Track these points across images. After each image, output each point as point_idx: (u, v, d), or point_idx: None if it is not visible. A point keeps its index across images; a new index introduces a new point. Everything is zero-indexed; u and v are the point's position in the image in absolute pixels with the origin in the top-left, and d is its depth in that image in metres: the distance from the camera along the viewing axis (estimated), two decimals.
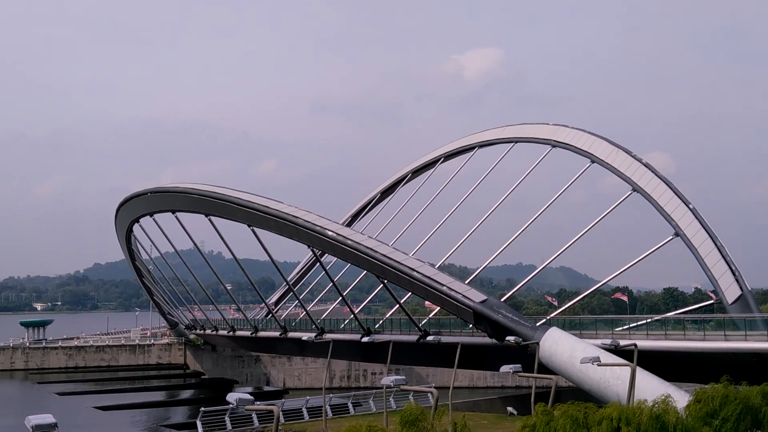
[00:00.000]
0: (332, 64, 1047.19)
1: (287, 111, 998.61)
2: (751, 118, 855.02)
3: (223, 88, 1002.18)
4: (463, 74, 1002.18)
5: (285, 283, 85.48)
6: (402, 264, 50.10)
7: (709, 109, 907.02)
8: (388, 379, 29.78)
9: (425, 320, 61.96)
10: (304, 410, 50.58)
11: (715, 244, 49.91)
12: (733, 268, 48.67)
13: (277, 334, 72.77)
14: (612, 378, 37.70)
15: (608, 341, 36.85)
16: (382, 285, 58.06)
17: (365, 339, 57.54)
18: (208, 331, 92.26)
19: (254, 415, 45.54)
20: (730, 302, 47.29)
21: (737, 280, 48.05)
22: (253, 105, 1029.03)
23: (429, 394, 37.66)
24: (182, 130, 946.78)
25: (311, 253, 63.46)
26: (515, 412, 47.53)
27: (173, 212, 73.59)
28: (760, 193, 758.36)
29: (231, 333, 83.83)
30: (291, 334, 70.01)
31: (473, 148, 72.96)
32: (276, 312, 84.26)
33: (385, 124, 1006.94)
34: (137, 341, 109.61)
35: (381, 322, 66.11)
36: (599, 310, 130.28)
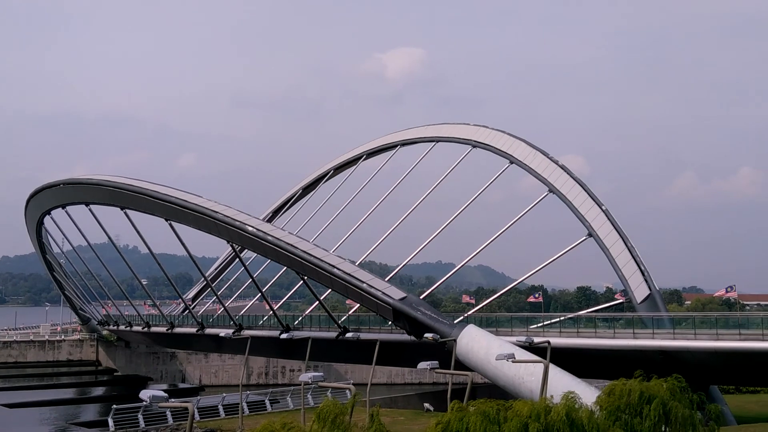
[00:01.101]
0: (255, 59, 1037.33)
1: (208, 105, 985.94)
2: (661, 124, 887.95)
3: (143, 80, 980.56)
4: (386, 73, 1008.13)
5: (203, 278, 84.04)
6: (322, 261, 49.96)
7: (622, 113, 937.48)
8: (306, 376, 29.70)
9: (345, 317, 62.03)
10: (221, 407, 49.95)
11: (626, 245, 51.55)
12: (643, 268, 50.35)
13: (193, 330, 71.62)
14: (526, 374, 38.55)
15: (523, 338, 37.70)
16: (302, 281, 57.78)
17: (284, 336, 57.16)
18: (122, 327, 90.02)
19: (168, 413, 44.69)
20: (639, 301, 48.88)
21: (646, 280, 49.72)
22: (174, 98, 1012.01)
23: (347, 391, 37.71)
24: (99, 121, 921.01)
25: (230, 248, 62.55)
26: (431, 408, 48.08)
27: (87, 205, 71.36)
28: (668, 197, 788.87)
29: (146, 329, 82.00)
30: (208, 331, 69.05)
31: (395, 146, 73.39)
32: (193, 308, 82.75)
33: (308, 120, 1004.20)
34: (47, 337, 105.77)
35: (300, 318, 65.89)
36: (515, 308, 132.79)
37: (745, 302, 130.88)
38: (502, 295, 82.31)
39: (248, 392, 54.20)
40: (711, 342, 41.12)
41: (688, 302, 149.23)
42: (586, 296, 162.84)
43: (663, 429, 13.78)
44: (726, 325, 43.81)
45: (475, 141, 63.68)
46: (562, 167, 57.41)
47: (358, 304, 58.02)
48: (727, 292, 52.45)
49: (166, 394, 20.34)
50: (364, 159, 77.40)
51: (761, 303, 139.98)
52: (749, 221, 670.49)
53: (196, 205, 56.60)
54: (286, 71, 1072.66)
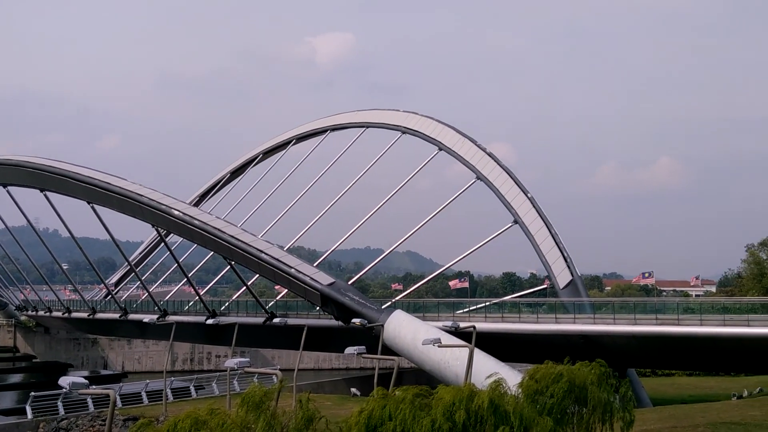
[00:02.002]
0: (182, 39, 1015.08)
1: (133, 85, 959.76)
2: (585, 114, 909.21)
3: (64, 58, 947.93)
4: (316, 57, 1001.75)
5: (126, 263, 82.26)
6: (250, 245, 49.55)
7: (548, 103, 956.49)
8: (231, 362, 29.42)
9: (273, 302, 61.73)
10: (144, 394, 49.02)
11: (550, 232, 52.71)
12: (565, 255, 51.62)
13: (116, 316, 70.23)
14: (452, 359, 39.12)
15: (449, 323, 38.16)
16: (229, 267, 57.20)
17: (210, 321, 56.55)
18: (41, 313, 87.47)
19: (89, 400, 43.61)
20: (561, 287, 50.12)
21: (568, 267, 50.99)
22: (96, 77, 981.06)
23: (273, 376, 37.54)
24: (17, 101, 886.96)
25: (156, 232, 61.36)
26: (358, 393, 48.30)
27: (4, 186, 68.95)
28: (592, 185, 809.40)
29: (66, 314, 79.86)
30: (132, 316, 67.79)
31: (325, 131, 73.12)
32: (116, 293, 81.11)
33: (237, 103, 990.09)
34: None
35: (227, 304, 65.28)
36: (443, 293, 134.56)
37: (662, 288, 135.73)
38: (429, 280, 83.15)
39: (173, 378, 53.33)
40: (629, 327, 42.50)
41: (609, 288, 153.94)
42: (511, 282, 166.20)
43: (581, 411, 14.19)
44: (644, 310, 45.37)
45: (404, 127, 63.98)
46: (490, 155, 58.22)
47: (286, 290, 57.83)
48: (644, 278, 54.14)
49: (86, 381, 19.89)
50: (294, 143, 76.90)
51: (677, 289, 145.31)
52: (667, 210, 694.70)
53: (119, 187, 55.30)
54: (214, 52, 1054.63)
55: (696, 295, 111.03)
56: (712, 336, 40.11)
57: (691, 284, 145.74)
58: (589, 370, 14.94)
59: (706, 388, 55.47)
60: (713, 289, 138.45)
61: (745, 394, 45.31)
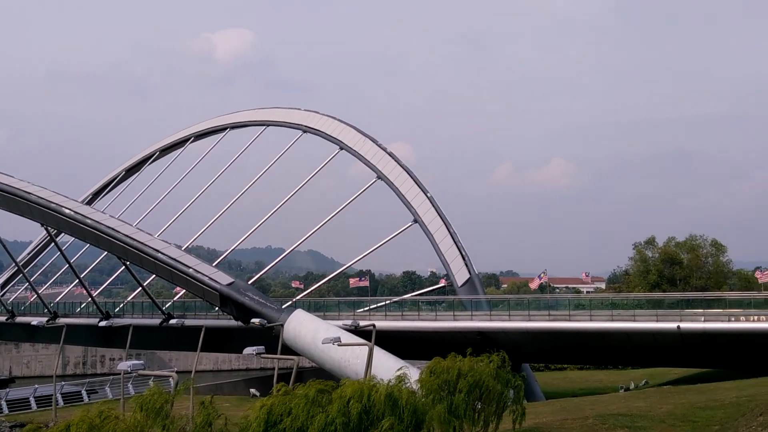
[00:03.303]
0: (74, 31, 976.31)
1: (21, 78, 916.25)
2: (482, 116, 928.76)
3: None
4: (215, 54, 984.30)
5: (13, 263, 78.60)
6: (146, 245, 48.30)
7: (447, 103, 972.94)
8: (125, 365, 28.62)
9: (170, 303, 60.41)
10: (32, 400, 47.18)
11: (449, 231, 53.67)
12: (464, 253, 52.66)
13: (3, 318, 67.20)
14: (352, 357, 39.32)
15: (349, 322, 38.40)
16: (124, 267, 55.56)
17: (103, 323, 54.82)
18: None
19: None
20: (459, 285, 51.11)
21: (467, 265, 52.06)
22: None
23: (170, 379, 36.77)
24: None
25: (45, 231, 58.90)
26: (258, 394, 47.88)
27: None
28: (489, 185, 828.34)
29: None
30: (19, 319, 65.20)
31: (225, 128, 71.97)
32: (2, 295, 77.38)
33: (133, 99, 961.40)
34: None
35: (122, 305, 63.44)
36: (344, 292, 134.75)
37: (555, 285, 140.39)
38: (330, 279, 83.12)
39: (63, 383, 51.55)
40: (523, 323, 43.84)
41: (505, 285, 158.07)
42: (411, 280, 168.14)
43: (477, 405, 14.58)
44: (537, 306, 46.85)
45: (305, 126, 63.77)
46: (390, 154, 58.77)
47: (184, 290, 56.68)
48: (539, 279, 56.01)
49: None
50: (193, 141, 75.29)
51: (569, 286, 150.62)
52: (561, 209, 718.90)
53: (5, 185, 52.84)
54: (108, 46, 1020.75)
55: (587, 292, 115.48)
56: (600, 331, 41.85)
57: (583, 281, 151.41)
58: (486, 364, 15.36)
59: (596, 382, 57.81)
60: (603, 285, 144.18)
61: (632, 386, 47.44)
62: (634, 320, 41.48)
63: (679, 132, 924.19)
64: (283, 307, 47.99)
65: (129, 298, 68.08)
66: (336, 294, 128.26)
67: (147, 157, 79.03)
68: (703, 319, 40.35)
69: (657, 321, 40.65)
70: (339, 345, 30.83)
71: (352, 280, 79.21)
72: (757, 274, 60.02)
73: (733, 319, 40.29)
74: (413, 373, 27.79)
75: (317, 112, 64.94)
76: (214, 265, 51.07)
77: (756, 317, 40.28)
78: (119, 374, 41.17)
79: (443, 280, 55.89)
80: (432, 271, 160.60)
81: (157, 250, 47.99)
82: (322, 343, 35.45)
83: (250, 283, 52.83)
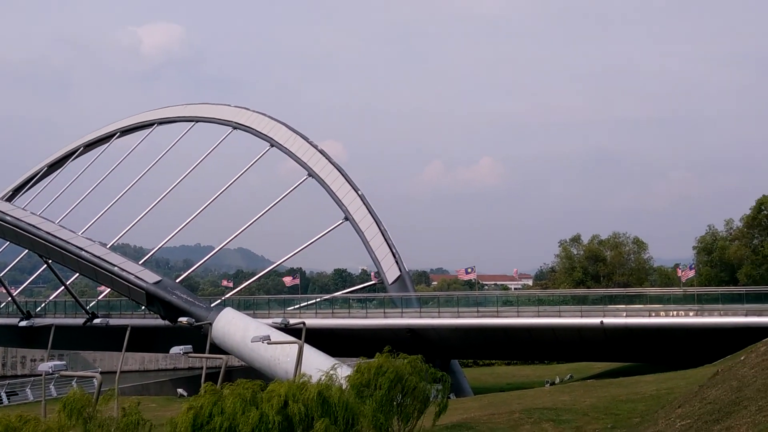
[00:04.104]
0: None
1: None
2: (413, 115, 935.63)
3: None
4: (141, 48, 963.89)
5: None
6: (69, 243, 47.02)
7: (379, 103, 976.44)
8: (46, 365, 27.72)
9: (94, 302, 59.03)
10: None
11: (380, 229, 53.90)
12: (394, 251, 52.96)
13: None
14: (282, 356, 39.12)
15: (279, 320, 38.14)
16: (46, 265, 53.96)
17: (23, 323, 53.21)
18: None
19: None
20: (390, 282, 51.39)
21: (397, 262, 52.38)
22: None
23: (93, 379, 35.89)
24: None
25: None
26: (185, 394, 47.17)
27: None
28: (420, 184, 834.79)
29: None
30: None
31: (152, 124, 70.49)
32: None
33: (56, 93, 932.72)
34: None
35: (44, 304, 61.62)
36: (274, 290, 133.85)
37: (484, 282, 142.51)
38: (261, 277, 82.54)
39: None
40: (452, 320, 44.39)
41: (435, 283, 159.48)
42: (342, 278, 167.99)
43: (400, 400, 14.75)
44: (467, 303, 47.56)
45: (235, 123, 63.05)
46: (321, 152, 58.63)
47: (109, 289, 55.44)
48: (467, 273, 56.66)
49: None
50: (118, 137, 73.50)
51: (498, 283, 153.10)
52: (490, 207, 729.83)
53: None
54: (28, 39, 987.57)
55: (515, 288, 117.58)
56: (527, 326, 42.73)
57: (511, 278, 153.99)
58: (411, 361, 15.53)
59: (523, 376, 58.92)
60: (530, 282, 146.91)
61: (557, 380, 48.53)
62: (560, 316, 42.48)
63: (602, 133, 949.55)
64: (212, 305, 47.43)
65: (51, 298, 66.16)
66: (267, 292, 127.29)
67: (70, 153, 76.78)
68: (625, 314, 41.62)
69: (581, 316, 41.74)
70: (269, 343, 30.59)
71: (286, 279, 78.66)
72: (678, 271, 62.13)
73: (653, 314, 41.68)
74: (344, 370, 27.82)
75: (247, 109, 64.26)
76: (140, 263, 50.10)
77: (675, 312, 41.78)
78: (40, 375, 39.96)
79: (374, 278, 56.10)
80: (363, 269, 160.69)
81: (81, 248, 46.82)
82: (252, 342, 35.16)
83: (178, 281, 52.05)
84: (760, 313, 38.62)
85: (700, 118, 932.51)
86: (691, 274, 58.57)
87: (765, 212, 65.56)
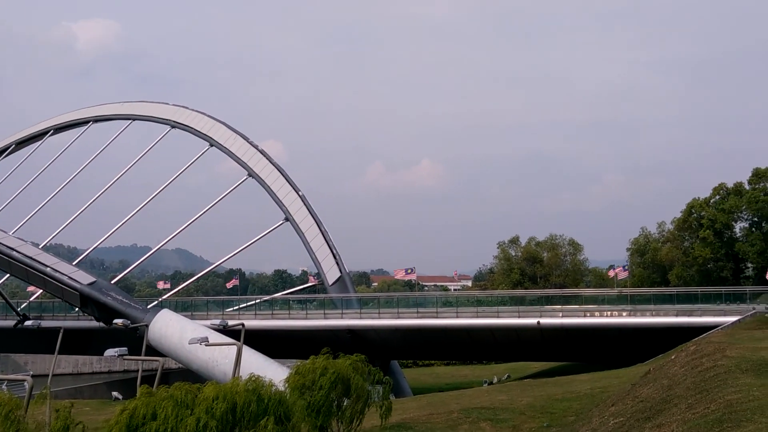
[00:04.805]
0: None
1: None
2: (355, 117, 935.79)
3: None
4: (76, 44, 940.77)
5: None
6: None
7: (320, 104, 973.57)
8: None
9: (25, 304, 57.43)
10: None
11: (320, 230, 53.78)
12: (335, 252, 52.91)
13: None
14: (220, 357, 38.67)
15: (218, 322, 37.65)
16: None
17: None
18: None
19: None
20: (330, 283, 51.33)
21: (337, 263, 52.34)
22: None
23: (24, 383, 34.90)
24: None
25: None
26: (120, 397, 46.15)
27: None
28: (361, 185, 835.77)
29: None
30: None
31: (88, 122, 68.93)
32: None
33: None
34: None
35: None
36: (213, 292, 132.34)
37: (424, 283, 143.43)
38: (199, 278, 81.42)
39: None
40: (392, 320, 44.56)
41: (376, 284, 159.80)
42: (282, 279, 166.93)
43: (343, 402, 14.73)
44: (406, 304, 47.77)
45: (174, 121, 62.13)
46: (262, 152, 58.22)
47: (42, 290, 54.01)
48: (407, 273, 56.93)
49: None
50: (52, 134, 71.64)
51: (438, 284, 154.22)
52: (429, 209, 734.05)
53: None
54: None
55: (454, 290, 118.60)
56: (466, 327, 43.16)
57: (451, 279, 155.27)
58: (352, 362, 15.51)
59: (461, 377, 59.48)
60: (470, 283, 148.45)
61: (495, 380, 49.11)
62: (498, 317, 43.04)
63: (540, 137, 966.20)
64: (149, 306, 46.62)
65: None
66: (205, 293, 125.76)
67: (1, 151, 74.53)
68: (561, 314, 42.41)
69: (519, 317, 42.36)
70: (207, 345, 30.17)
71: (229, 283, 77.83)
72: (611, 272, 63.44)
73: (588, 314, 42.55)
74: (283, 372, 27.65)
75: (186, 108, 63.38)
76: (74, 263, 48.94)
77: (609, 312, 42.75)
78: None
79: (314, 279, 55.93)
80: (303, 270, 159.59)
81: (12, 248, 45.57)
82: (189, 344, 34.55)
83: (113, 282, 51.03)
84: (689, 314, 39.82)
85: (634, 122, 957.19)
86: (625, 275, 59.97)
87: (695, 215, 67.57)
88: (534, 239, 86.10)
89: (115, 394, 48.18)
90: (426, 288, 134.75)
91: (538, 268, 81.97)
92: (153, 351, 41.56)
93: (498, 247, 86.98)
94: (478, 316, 43.50)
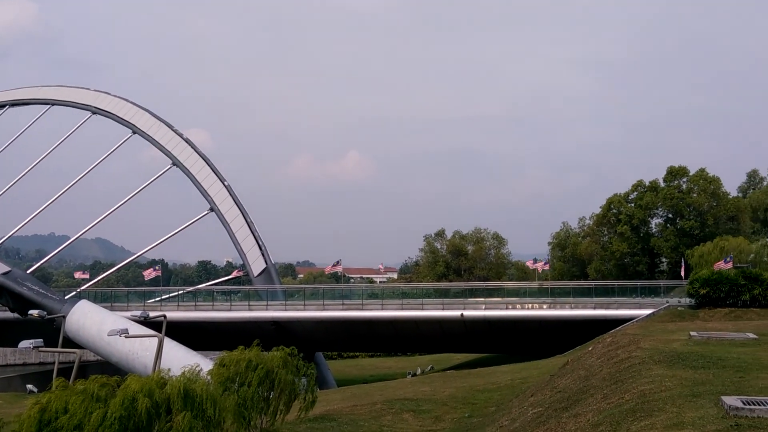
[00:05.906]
0: None
1: None
2: (281, 106, 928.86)
3: None
4: None
5: None
6: None
7: (246, 93, 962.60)
8: None
9: None
10: None
11: (246, 221, 53.29)
12: (260, 243, 52.53)
13: None
14: (140, 350, 37.94)
15: (138, 313, 36.93)
16: None
17: None
18: None
19: None
20: (255, 275, 50.96)
21: (263, 255, 51.99)
22: None
23: None
24: None
25: None
26: (35, 390, 44.76)
27: None
28: (288, 176, 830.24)
29: None
30: None
31: (4, 106, 66.32)
32: None
33: None
34: None
35: None
36: (134, 282, 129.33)
37: (350, 275, 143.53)
38: (120, 269, 79.58)
39: None
40: (317, 312, 44.54)
41: (302, 276, 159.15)
42: (206, 270, 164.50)
43: (269, 395, 14.65)
44: (332, 296, 47.78)
45: (95, 107, 60.43)
46: (187, 140, 57.28)
47: None
48: (333, 266, 56.96)
49: None
50: None
51: (364, 276, 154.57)
52: (356, 201, 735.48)
53: None
54: None
55: (380, 282, 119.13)
56: (391, 319, 43.48)
57: (377, 271, 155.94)
58: (282, 356, 15.42)
59: (386, 368, 59.82)
60: (395, 275, 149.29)
61: (419, 372, 49.61)
62: (423, 309, 43.49)
63: (466, 131, 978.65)
64: (66, 297, 45.39)
65: None
66: (126, 284, 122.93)
67: None
68: (484, 307, 43.13)
69: (443, 309, 42.90)
70: (126, 337, 29.58)
71: (147, 272, 76.28)
72: (531, 263, 64.73)
73: (510, 307, 43.42)
74: (207, 364, 27.32)
75: (108, 93, 61.73)
76: None
77: (530, 305, 43.69)
78: None
79: (239, 270, 55.37)
80: (228, 261, 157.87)
81: None
82: (108, 335, 33.85)
83: (29, 272, 49.54)
84: (607, 307, 41.03)
85: (556, 119, 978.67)
86: (546, 268, 61.34)
87: (614, 211, 69.65)
88: (459, 233, 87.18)
89: (30, 386, 46.72)
90: (352, 280, 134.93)
91: (462, 261, 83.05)
92: (70, 343, 40.53)
93: (424, 240, 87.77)
94: (403, 308, 43.85)
